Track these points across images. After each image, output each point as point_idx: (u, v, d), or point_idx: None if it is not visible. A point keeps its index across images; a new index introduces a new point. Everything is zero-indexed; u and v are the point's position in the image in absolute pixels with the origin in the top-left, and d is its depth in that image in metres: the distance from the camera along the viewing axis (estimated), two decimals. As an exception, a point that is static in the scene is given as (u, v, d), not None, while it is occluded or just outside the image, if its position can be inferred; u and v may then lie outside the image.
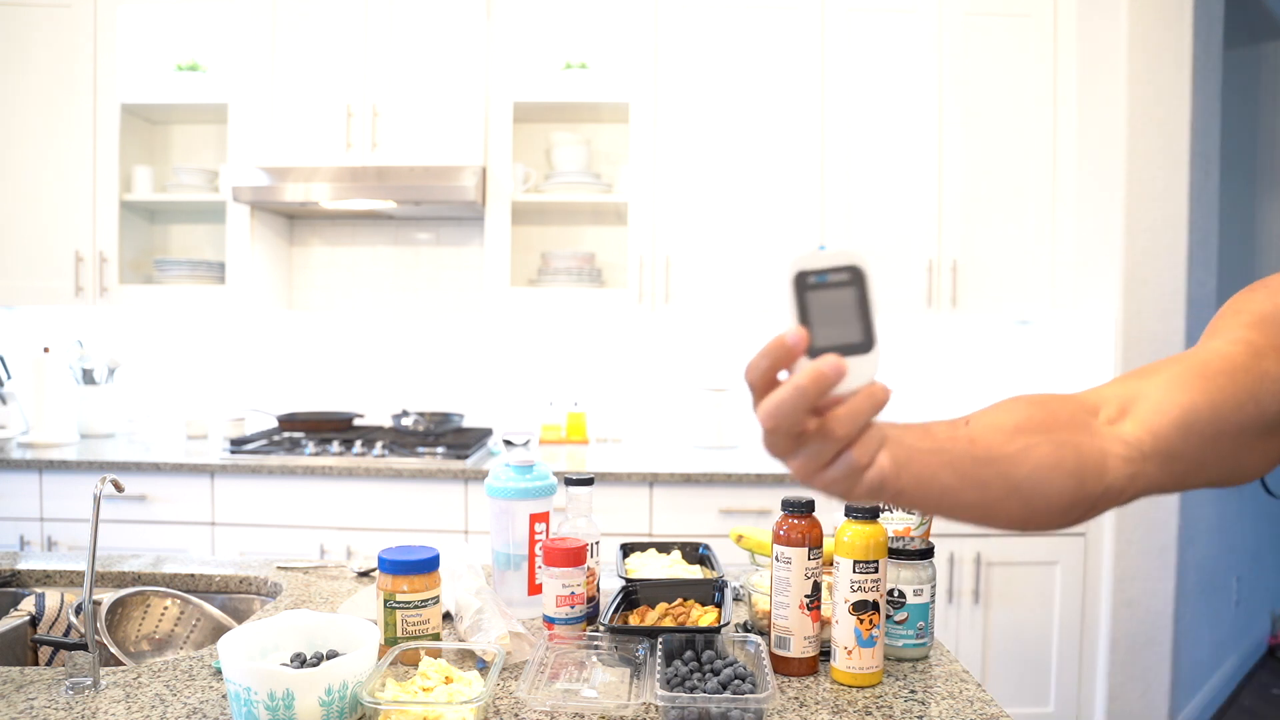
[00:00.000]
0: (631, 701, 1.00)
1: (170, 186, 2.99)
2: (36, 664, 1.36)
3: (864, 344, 0.57)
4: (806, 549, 1.09)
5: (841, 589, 1.08)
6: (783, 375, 0.57)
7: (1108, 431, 0.72)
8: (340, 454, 2.67)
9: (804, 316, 0.57)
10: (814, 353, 0.57)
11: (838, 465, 0.58)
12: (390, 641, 1.12)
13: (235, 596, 1.53)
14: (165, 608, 1.42)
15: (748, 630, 1.24)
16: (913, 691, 1.07)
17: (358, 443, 2.70)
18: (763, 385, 0.57)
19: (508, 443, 2.74)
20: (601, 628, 1.20)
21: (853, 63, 2.86)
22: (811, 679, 1.10)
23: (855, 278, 0.58)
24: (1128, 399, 0.74)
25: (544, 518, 1.35)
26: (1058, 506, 0.70)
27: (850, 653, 1.08)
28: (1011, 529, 0.75)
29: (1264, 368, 0.72)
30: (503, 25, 2.87)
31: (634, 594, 1.27)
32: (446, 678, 0.99)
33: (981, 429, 0.69)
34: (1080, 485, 0.69)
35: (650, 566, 1.39)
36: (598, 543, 1.31)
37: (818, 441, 0.57)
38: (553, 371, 3.23)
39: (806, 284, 0.58)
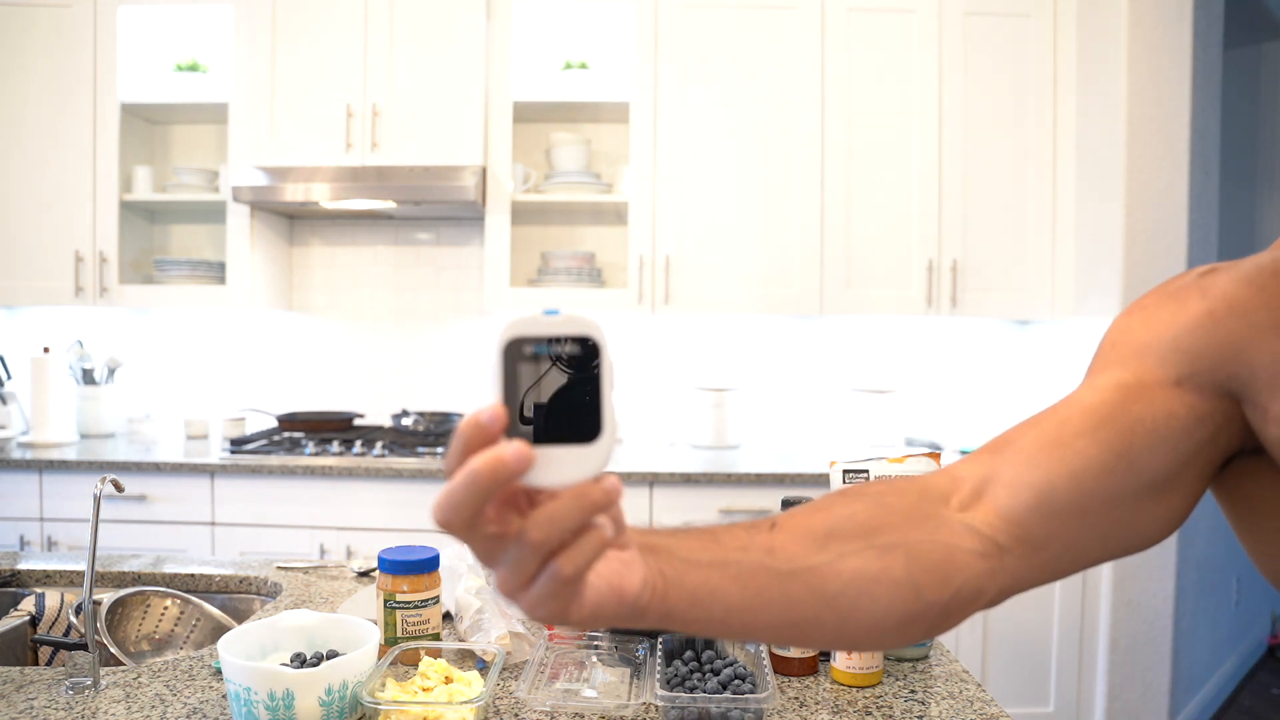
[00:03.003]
0: (631, 701, 1.00)
1: (170, 186, 2.99)
2: (36, 664, 1.36)
3: (587, 433, 0.48)
4: (806, 549, 1.09)
5: (841, 589, 1.08)
6: None
7: (957, 522, 0.62)
8: (340, 454, 2.67)
9: (510, 393, 0.47)
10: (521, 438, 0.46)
11: (541, 579, 0.47)
12: (390, 641, 1.12)
13: (235, 596, 1.53)
14: (165, 608, 1.42)
15: (748, 630, 1.24)
16: (913, 691, 1.07)
17: (358, 443, 2.70)
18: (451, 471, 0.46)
19: (508, 443, 2.74)
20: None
21: (852, 63, 2.86)
22: (811, 679, 1.10)
23: (586, 352, 0.48)
24: (983, 478, 0.64)
25: (544, 518, 1.35)
26: (889, 623, 0.59)
27: (850, 653, 1.08)
28: (837, 650, 0.64)
29: (1135, 414, 0.62)
30: (502, 25, 2.87)
31: (634, 594, 1.27)
32: (446, 678, 0.99)
33: (785, 536, 0.59)
34: (917, 595, 0.59)
35: (650, 566, 1.39)
36: (598, 543, 1.31)
37: (516, 548, 0.46)
38: (553, 371, 3.22)
39: (521, 354, 0.47)
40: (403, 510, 2.61)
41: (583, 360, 0.48)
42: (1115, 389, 0.64)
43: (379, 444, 2.70)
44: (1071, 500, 0.61)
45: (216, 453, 2.75)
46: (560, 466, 0.47)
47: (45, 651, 1.36)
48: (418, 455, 2.67)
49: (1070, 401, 0.66)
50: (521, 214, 3.07)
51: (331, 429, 2.98)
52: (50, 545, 2.63)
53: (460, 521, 0.45)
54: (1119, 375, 0.64)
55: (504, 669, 1.11)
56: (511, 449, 0.44)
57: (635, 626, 0.54)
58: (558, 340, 0.48)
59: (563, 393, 0.48)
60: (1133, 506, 0.62)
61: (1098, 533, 0.63)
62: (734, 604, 0.55)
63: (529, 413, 0.47)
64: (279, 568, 1.57)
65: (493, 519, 0.46)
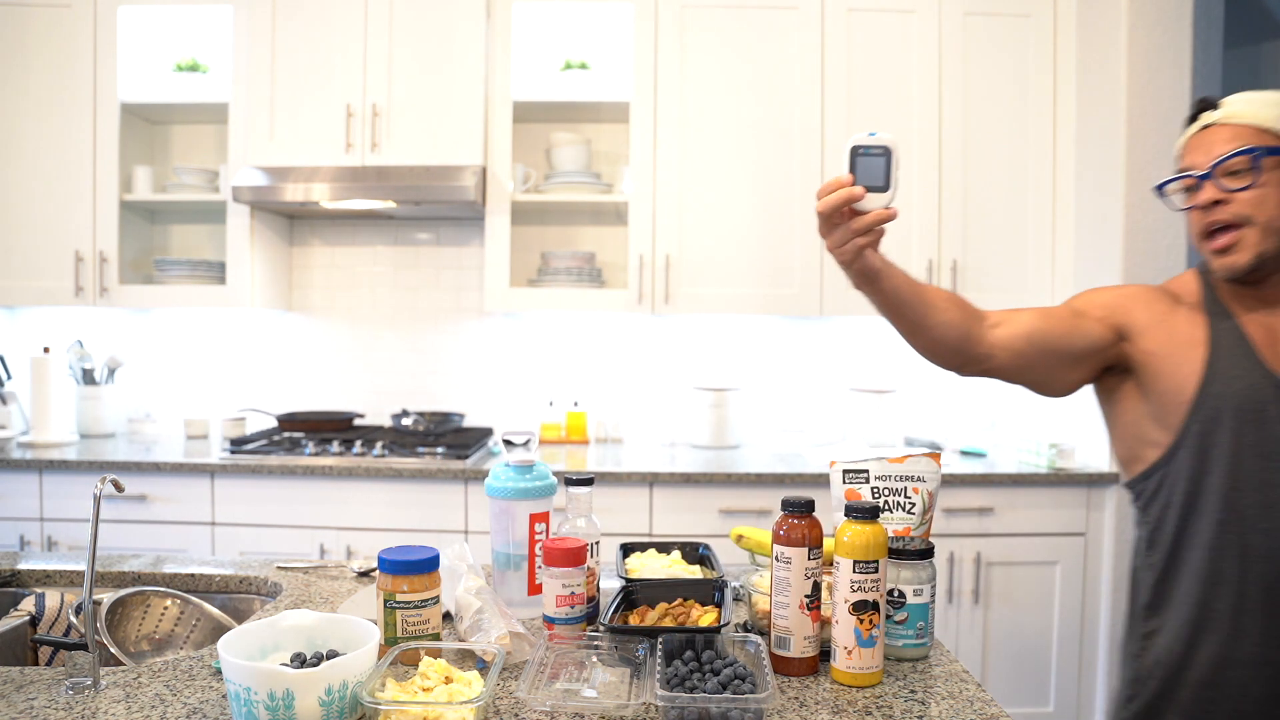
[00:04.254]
0: (631, 701, 1.00)
1: (170, 186, 2.99)
2: (36, 664, 1.36)
3: (884, 187, 1.09)
4: (806, 549, 1.09)
5: (841, 589, 1.08)
6: None
7: (986, 328, 1.29)
8: (340, 454, 2.67)
9: (852, 169, 1.09)
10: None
11: (851, 243, 1.11)
12: (390, 641, 1.12)
13: (235, 596, 1.53)
14: (165, 608, 1.42)
15: (748, 630, 1.24)
16: (913, 691, 1.07)
17: (358, 443, 2.70)
18: (823, 197, 1.10)
19: (508, 442, 2.74)
20: (601, 628, 1.20)
21: (852, 63, 2.86)
22: (811, 679, 1.10)
23: (885, 152, 1.08)
24: (1001, 318, 1.31)
25: (544, 518, 1.35)
26: (951, 346, 1.27)
27: (850, 653, 1.07)
28: (919, 349, 1.29)
29: (1078, 320, 1.31)
30: (502, 25, 2.87)
31: (634, 594, 1.27)
32: (446, 678, 0.99)
33: (925, 286, 1.25)
34: (965, 340, 1.27)
35: (650, 566, 1.39)
36: (598, 543, 1.31)
37: (843, 229, 1.11)
38: (553, 371, 3.23)
39: (857, 152, 1.09)
40: (403, 510, 2.61)
41: (884, 155, 1.08)
42: (1070, 308, 1.34)
43: (379, 444, 2.70)
44: (1044, 340, 1.30)
45: (216, 453, 2.75)
46: (872, 201, 1.09)
47: (45, 651, 1.36)
48: (418, 455, 2.67)
49: (1048, 307, 1.34)
50: (521, 214, 3.07)
51: (331, 429, 2.98)
52: (50, 545, 2.63)
53: (831, 211, 1.10)
54: (1074, 305, 1.35)
55: (504, 669, 1.11)
56: (859, 189, 1.08)
57: (870, 286, 1.19)
58: (874, 147, 1.08)
59: (874, 168, 1.09)
60: (1063, 362, 1.31)
61: (1045, 365, 1.31)
62: (905, 300, 1.21)
63: (859, 177, 1.09)
64: (279, 568, 1.57)
65: (838, 219, 1.12)
